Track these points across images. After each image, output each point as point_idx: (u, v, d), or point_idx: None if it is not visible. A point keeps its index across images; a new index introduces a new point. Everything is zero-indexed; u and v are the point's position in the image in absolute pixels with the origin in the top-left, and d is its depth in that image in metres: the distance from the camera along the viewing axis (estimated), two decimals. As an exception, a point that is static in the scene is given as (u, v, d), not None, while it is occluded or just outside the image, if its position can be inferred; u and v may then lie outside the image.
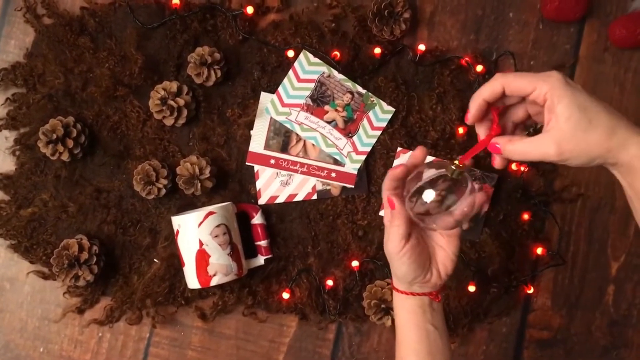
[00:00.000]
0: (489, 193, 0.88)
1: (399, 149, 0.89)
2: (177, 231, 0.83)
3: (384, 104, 0.88)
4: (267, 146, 0.88)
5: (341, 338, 0.91)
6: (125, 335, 0.90)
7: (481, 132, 0.59)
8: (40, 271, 0.88)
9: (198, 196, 0.87)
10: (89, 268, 0.84)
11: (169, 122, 0.86)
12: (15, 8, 0.89)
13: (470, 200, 0.58)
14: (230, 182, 0.89)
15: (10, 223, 0.87)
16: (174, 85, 0.85)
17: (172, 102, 0.84)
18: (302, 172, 0.89)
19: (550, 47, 0.90)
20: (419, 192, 0.58)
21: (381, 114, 0.88)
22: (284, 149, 0.89)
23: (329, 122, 0.88)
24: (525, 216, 0.89)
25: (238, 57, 0.89)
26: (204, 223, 0.81)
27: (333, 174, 0.89)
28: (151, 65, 0.87)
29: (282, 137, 0.88)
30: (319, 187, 0.89)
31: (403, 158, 0.88)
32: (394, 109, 0.88)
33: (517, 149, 0.55)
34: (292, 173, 0.89)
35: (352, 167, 0.89)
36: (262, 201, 0.89)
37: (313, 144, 0.88)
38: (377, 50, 0.88)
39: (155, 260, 0.88)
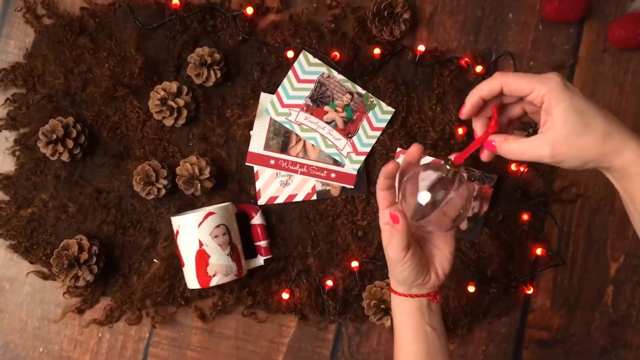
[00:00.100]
0: (489, 193, 0.88)
1: (398, 149, 0.89)
2: (177, 231, 0.83)
3: (383, 104, 0.88)
4: (266, 146, 0.89)
5: (341, 338, 0.91)
6: (125, 335, 0.90)
7: (478, 127, 0.60)
8: (40, 271, 0.88)
9: (198, 196, 0.87)
10: (89, 268, 0.84)
11: (168, 122, 0.86)
12: (15, 8, 0.89)
13: (466, 198, 0.58)
14: (230, 182, 0.89)
15: (10, 223, 0.88)
16: (173, 86, 0.85)
17: (171, 103, 0.84)
18: (302, 173, 0.89)
19: (549, 48, 0.90)
20: (417, 197, 0.57)
21: (381, 114, 0.88)
22: (284, 149, 0.89)
23: (328, 123, 0.88)
24: (525, 216, 0.89)
25: (238, 58, 0.89)
26: (203, 223, 0.81)
27: (333, 175, 0.89)
28: (151, 66, 0.87)
29: (281, 138, 0.89)
30: (319, 187, 0.89)
31: (402, 159, 0.88)
32: (394, 110, 0.88)
33: (512, 149, 0.55)
34: (292, 173, 0.89)
35: (351, 167, 0.89)
36: (261, 201, 0.89)
37: (313, 145, 0.89)
38: (377, 51, 0.88)
39: (155, 260, 0.88)
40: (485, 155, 0.59)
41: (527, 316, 0.91)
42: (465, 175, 0.57)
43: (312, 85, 0.88)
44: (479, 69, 0.88)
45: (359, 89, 0.88)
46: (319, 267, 0.89)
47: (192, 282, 0.83)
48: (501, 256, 0.89)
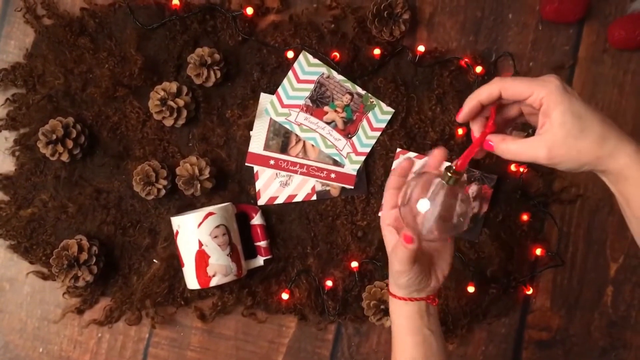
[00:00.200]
0: (488, 194, 0.88)
1: (398, 149, 0.89)
2: (177, 232, 0.83)
3: (383, 104, 0.88)
4: (266, 147, 0.89)
5: (340, 339, 0.91)
6: (125, 335, 0.90)
7: (475, 127, 0.60)
8: (39, 272, 0.88)
9: (197, 197, 0.87)
10: (89, 268, 0.84)
11: (168, 122, 0.86)
12: (15, 9, 0.89)
13: (468, 203, 0.57)
14: (230, 182, 0.89)
15: (10, 223, 0.88)
16: (173, 86, 0.85)
17: (171, 103, 0.84)
18: (302, 173, 0.89)
19: (549, 49, 0.90)
20: (423, 209, 0.56)
21: (380, 114, 0.88)
22: (284, 149, 0.89)
23: (328, 123, 0.88)
24: (525, 217, 0.89)
25: (238, 58, 0.89)
26: (203, 224, 0.81)
27: (332, 175, 0.89)
28: (151, 66, 0.87)
29: (281, 138, 0.89)
30: (319, 187, 0.89)
31: (402, 159, 0.88)
32: (394, 110, 0.89)
33: (510, 149, 0.55)
34: (292, 174, 0.89)
35: (351, 167, 0.89)
36: (261, 202, 0.89)
37: (312, 145, 0.89)
38: (377, 51, 0.88)
39: (154, 260, 0.88)
40: (477, 152, 0.59)
41: (526, 316, 0.91)
42: (465, 178, 0.57)
43: (312, 86, 0.88)
44: (478, 69, 0.88)
45: (359, 90, 0.88)
46: (318, 267, 0.89)
47: (191, 282, 0.83)
48: (501, 256, 0.89)
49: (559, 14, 0.88)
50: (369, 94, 0.88)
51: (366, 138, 0.89)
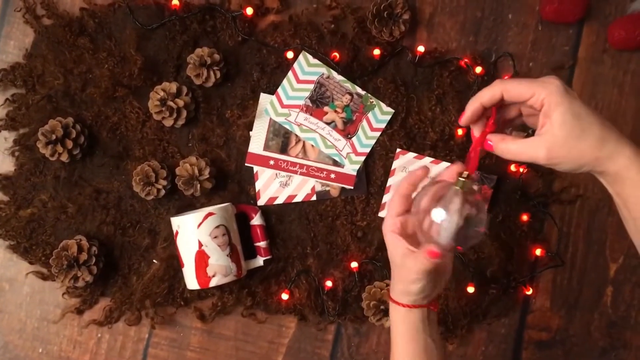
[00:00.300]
0: (488, 194, 0.88)
1: (398, 150, 0.89)
2: (177, 232, 0.83)
3: (383, 105, 0.88)
4: (266, 147, 0.89)
5: (340, 339, 0.91)
6: (124, 336, 0.90)
7: (475, 128, 0.60)
8: (39, 272, 0.88)
9: (197, 197, 0.87)
10: (88, 269, 0.84)
11: (168, 123, 0.86)
12: (14, 9, 0.89)
13: (483, 210, 0.55)
14: (230, 183, 0.89)
15: (9, 224, 0.87)
16: (173, 86, 0.85)
17: (171, 103, 0.84)
18: (302, 173, 0.89)
19: (549, 49, 0.90)
20: (445, 222, 0.54)
21: (380, 115, 0.88)
22: (283, 150, 0.89)
23: (328, 123, 0.88)
24: (524, 217, 0.89)
25: (237, 58, 0.89)
26: (203, 224, 0.81)
27: (332, 175, 0.89)
28: (150, 66, 0.87)
29: (281, 138, 0.89)
30: (318, 188, 0.89)
31: (402, 159, 0.88)
32: (393, 110, 0.88)
33: (509, 149, 0.56)
34: (292, 174, 0.89)
35: (351, 168, 0.89)
36: (261, 202, 0.89)
37: (312, 145, 0.89)
38: (377, 52, 0.88)
39: (154, 261, 0.88)
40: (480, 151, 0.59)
41: (526, 317, 0.91)
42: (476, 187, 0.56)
43: (311, 86, 0.88)
44: (478, 69, 0.88)
45: (359, 90, 0.88)
46: (318, 267, 0.89)
47: (191, 282, 0.83)
48: (501, 257, 0.89)
49: (558, 14, 0.88)
50: (369, 94, 0.88)
51: (366, 138, 0.89)
